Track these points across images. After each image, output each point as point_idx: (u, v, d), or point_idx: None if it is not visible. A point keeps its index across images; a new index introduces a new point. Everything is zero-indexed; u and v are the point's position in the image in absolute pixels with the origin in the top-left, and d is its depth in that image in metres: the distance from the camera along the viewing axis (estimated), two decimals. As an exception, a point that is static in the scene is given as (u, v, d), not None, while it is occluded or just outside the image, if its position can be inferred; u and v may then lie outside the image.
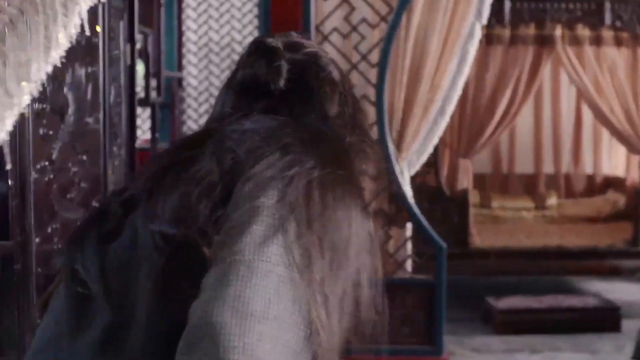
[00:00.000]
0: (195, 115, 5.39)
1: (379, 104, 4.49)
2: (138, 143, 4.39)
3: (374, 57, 4.66)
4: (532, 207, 7.77)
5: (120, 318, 1.01)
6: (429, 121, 4.79)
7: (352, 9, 4.59)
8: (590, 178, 8.23)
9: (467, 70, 4.84)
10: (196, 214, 1.00)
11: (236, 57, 5.25)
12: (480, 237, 6.78)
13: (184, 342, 0.87)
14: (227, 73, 5.27)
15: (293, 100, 1.20)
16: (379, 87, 4.49)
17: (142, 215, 1.04)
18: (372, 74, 4.61)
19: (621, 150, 7.86)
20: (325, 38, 4.62)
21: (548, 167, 8.27)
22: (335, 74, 1.25)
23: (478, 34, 4.78)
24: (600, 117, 7.11)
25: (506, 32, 6.85)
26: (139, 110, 4.82)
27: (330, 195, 1.01)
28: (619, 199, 7.63)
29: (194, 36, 5.36)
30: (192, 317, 0.89)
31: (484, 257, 6.60)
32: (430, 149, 4.95)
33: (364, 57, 4.63)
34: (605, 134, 7.75)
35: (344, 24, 4.63)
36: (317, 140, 1.10)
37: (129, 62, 3.45)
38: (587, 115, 7.84)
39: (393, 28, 4.49)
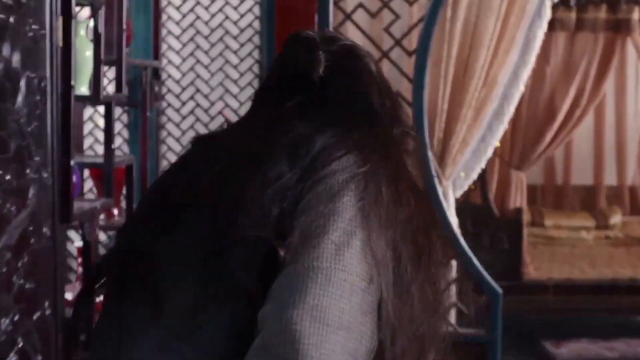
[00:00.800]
0: (177, 117, 4.22)
1: (417, 103, 3.38)
2: (92, 157, 3.57)
3: (411, 42, 3.60)
4: (592, 226, 6.57)
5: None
6: (482, 127, 3.67)
7: (383, -22, 3.49)
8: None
9: (532, 61, 3.71)
10: (270, 216, 1.00)
11: (231, 42, 4.23)
12: (534, 266, 5.61)
13: (260, 342, 0.91)
14: (219, 62, 4.53)
15: (334, 90, 1.19)
16: (418, 82, 3.38)
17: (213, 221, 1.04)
18: (409, 65, 3.54)
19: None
20: (348, 17, 3.51)
21: (610, 179, 7.05)
22: (372, 65, 1.26)
23: (547, 13, 3.67)
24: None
25: (571, 16, 5.64)
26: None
27: (400, 200, 1.05)
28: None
29: (177, 14, 4.16)
30: (268, 319, 0.92)
31: (541, 292, 5.42)
32: (482, 163, 3.83)
33: (397, 43, 3.54)
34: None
35: (371, -2, 3.53)
36: (383, 143, 1.13)
37: (60, 44, 2.38)
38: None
39: (436, 5, 3.37)
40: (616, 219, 6.65)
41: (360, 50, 1.26)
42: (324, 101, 1.17)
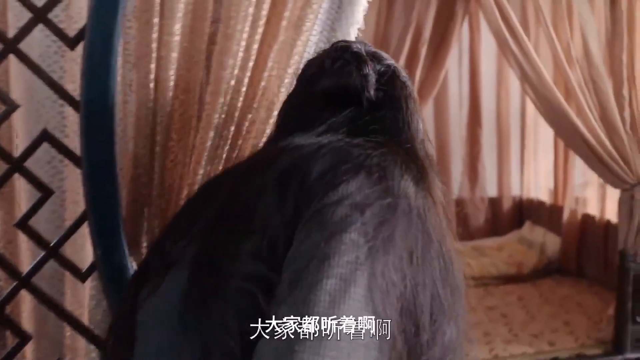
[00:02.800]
0: None
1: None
2: None
3: None
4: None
5: None
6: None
7: None
8: None
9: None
10: (256, 264, 0.88)
11: None
12: None
13: None
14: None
15: (383, 112, 1.11)
16: None
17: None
18: None
19: None
20: None
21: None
22: (414, 92, 1.18)
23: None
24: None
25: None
26: None
27: (423, 238, 0.90)
28: None
29: None
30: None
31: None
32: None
33: None
34: None
35: None
36: (421, 166, 1.01)
37: None
38: None
39: None
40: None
41: (402, 72, 1.18)
42: (373, 123, 1.07)
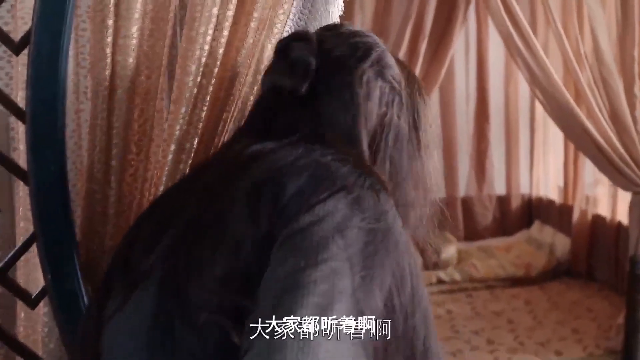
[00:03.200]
0: None
1: None
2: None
3: None
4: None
5: None
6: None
7: None
8: None
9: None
10: (225, 293, 0.81)
11: None
12: None
13: None
14: None
15: (320, 105, 1.03)
16: None
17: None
18: None
19: None
20: None
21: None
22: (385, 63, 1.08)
23: None
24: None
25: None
26: None
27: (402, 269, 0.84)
28: None
29: None
30: None
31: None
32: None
33: None
34: None
35: None
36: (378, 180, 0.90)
37: None
38: None
39: None
40: (450, 251, 4.73)
41: (375, 50, 1.08)
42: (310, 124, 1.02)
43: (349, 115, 1.04)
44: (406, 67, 1.17)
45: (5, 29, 1.44)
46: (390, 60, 1.12)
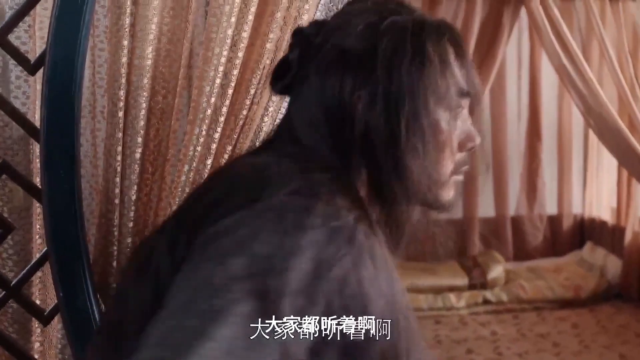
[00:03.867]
0: None
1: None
2: None
3: None
4: (464, 286, 4.55)
5: None
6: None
7: None
8: None
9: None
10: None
11: None
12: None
13: None
14: None
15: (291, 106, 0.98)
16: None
17: None
18: None
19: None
20: None
21: (486, 209, 5.03)
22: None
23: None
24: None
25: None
26: None
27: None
28: None
29: None
30: None
31: None
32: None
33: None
34: None
35: None
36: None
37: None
38: None
39: None
40: (497, 271, 4.64)
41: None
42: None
43: (307, 111, 0.96)
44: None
45: (23, 48, 1.46)
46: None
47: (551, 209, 5.20)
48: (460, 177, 1.02)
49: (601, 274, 4.63)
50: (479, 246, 4.92)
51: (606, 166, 4.93)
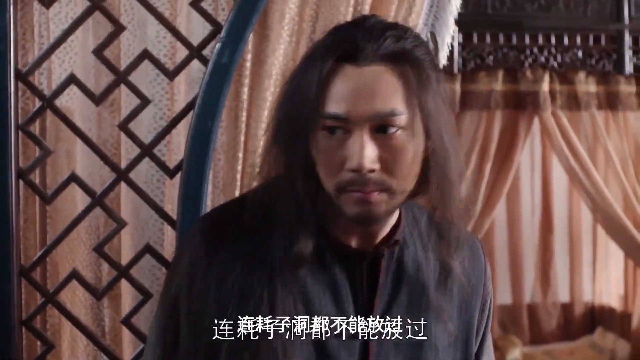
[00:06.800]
0: None
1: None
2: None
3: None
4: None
5: None
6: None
7: None
8: None
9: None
10: None
11: None
12: None
13: None
14: None
15: None
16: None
17: None
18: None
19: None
20: None
21: (503, 296, 5.45)
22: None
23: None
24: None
25: (455, 88, 3.98)
26: None
27: None
28: None
29: None
30: None
31: None
32: None
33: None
34: None
35: None
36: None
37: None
38: None
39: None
40: (515, 354, 5.00)
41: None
42: None
43: None
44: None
45: (162, 158, 1.93)
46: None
47: (564, 296, 5.61)
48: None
49: (611, 356, 4.98)
50: (497, 331, 5.29)
51: (614, 257, 5.36)
